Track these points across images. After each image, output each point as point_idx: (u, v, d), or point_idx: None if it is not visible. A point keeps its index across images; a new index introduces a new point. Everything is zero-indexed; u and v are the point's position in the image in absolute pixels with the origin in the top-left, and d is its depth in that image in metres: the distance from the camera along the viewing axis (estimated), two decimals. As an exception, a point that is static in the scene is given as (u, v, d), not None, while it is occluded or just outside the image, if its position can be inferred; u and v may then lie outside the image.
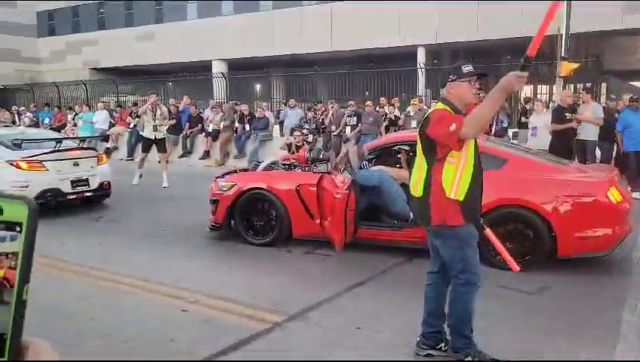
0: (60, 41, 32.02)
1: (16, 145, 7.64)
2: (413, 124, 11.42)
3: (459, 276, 3.20)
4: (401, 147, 6.27)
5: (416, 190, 3.23)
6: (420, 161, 3.23)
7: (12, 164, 7.36)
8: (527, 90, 22.80)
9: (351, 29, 21.60)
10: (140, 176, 10.72)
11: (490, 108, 2.98)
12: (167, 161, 11.15)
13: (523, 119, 11.87)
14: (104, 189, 8.32)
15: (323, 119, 13.32)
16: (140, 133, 11.66)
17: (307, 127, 12.78)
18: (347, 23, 21.77)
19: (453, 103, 3.16)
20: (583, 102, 10.13)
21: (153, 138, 10.49)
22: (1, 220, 0.68)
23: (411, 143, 6.20)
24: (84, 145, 8.62)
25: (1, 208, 0.68)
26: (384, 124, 12.57)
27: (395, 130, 11.73)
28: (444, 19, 19.82)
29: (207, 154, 14.39)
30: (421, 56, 20.70)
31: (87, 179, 7.95)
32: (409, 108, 12.59)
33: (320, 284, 4.84)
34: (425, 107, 12.26)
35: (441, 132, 3.01)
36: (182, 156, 14.82)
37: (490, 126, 11.98)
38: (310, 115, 13.51)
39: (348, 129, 12.37)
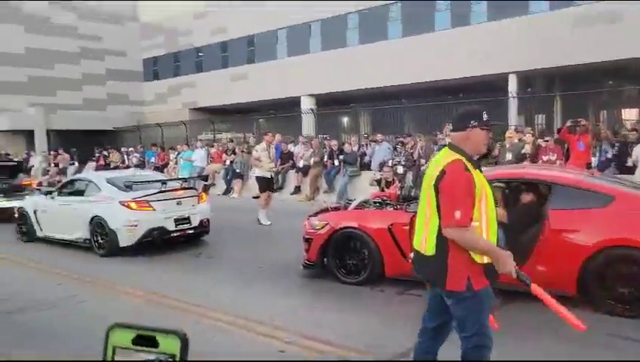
0: (163, 85, 34.59)
1: (128, 186, 8.30)
2: (509, 156, 11.03)
3: (471, 339, 2.93)
4: (497, 184, 6.08)
5: (426, 246, 2.96)
6: (430, 214, 2.94)
7: (124, 205, 7.99)
8: (631, 114, 21.43)
9: (437, 60, 21.47)
10: (267, 214, 10.74)
11: (481, 250, 2.83)
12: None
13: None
14: (204, 227, 8.76)
15: (412, 153, 13.24)
16: (253, 174, 11.71)
17: (397, 161, 12.75)
18: (434, 54, 21.67)
19: (466, 152, 2.95)
20: None
21: (269, 177, 10.83)
22: (157, 352, 0.76)
23: (507, 181, 6.03)
24: (186, 185, 9.15)
25: (157, 341, 0.76)
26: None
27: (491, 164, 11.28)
28: (538, 43, 19.16)
29: (297, 190, 14.76)
30: (512, 83, 20.07)
31: (188, 217, 8.44)
32: (508, 140, 12.03)
33: (414, 326, 4.74)
34: (523, 138, 11.79)
35: (445, 211, 2.83)
36: (274, 192, 15.26)
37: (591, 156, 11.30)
38: (400, 148, 13.48)
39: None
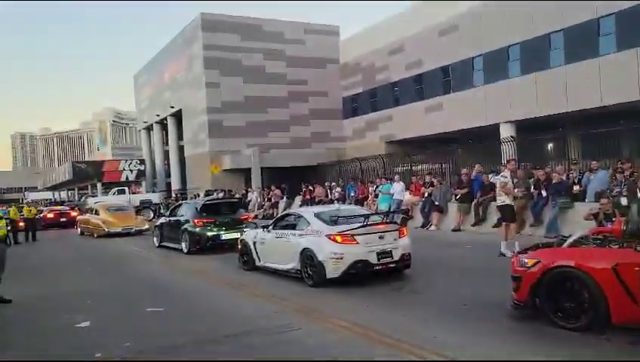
0: (361, 121, 36.29)
1: (333, 221, 8.82)
2: None
3: None
4: None
5: None
6: None
7: (330, 238, 8.49)
8: None
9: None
10: (508, 245, 10.21)
11: None
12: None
13: None
14: (405, 261, 8.84)
15: (635, 181, 11.64)
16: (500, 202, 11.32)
17: (617, 190, 11.34)
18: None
19: None
20: None
21: (513, 205, 10.77)
22: None
23: None
24: (388, 220, 9.37)
25: None
26: None
27: None
28: None
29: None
30: None
31: (390, 251, 8.60)
32: None
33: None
34: None
35: None
36: (474, 224, 14.78)
37: None
38: (620, 176, 11.98)
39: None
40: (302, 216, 9.55)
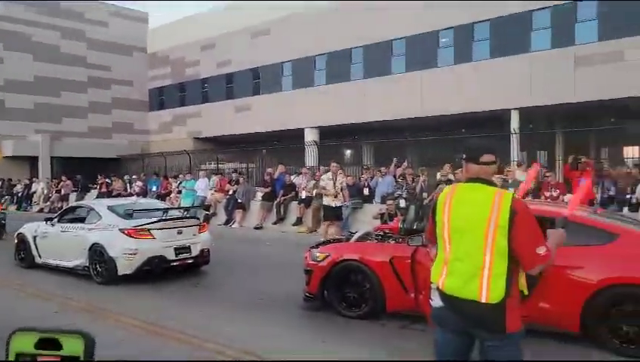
0: (168, 114, 34.92)
1: (129, 214, 8.29)
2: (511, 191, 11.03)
3: None
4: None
5: (489, 294, 2.69)
6: (492, 257, 2.70)
7: (124, 233, 7.96)
8: (633, 151, 21.49)
9: (441, 95, 21.70)
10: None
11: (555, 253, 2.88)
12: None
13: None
14: (204, 256, 8.71)
15: (414, 186, 13.25)
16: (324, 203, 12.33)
17: (399, 194, 12.75)
18: (437, 89, 21.92)
19: (494, 183, 2.95)
20: None
21: (334, 206, 11.01)
22: (60, 354, 0.75)
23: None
24: (188, 215, 9.14)
25: (60, 343, 0.75)
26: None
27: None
28: (540, 81, 19.39)
29: (299, 221, 14.71)
30: (515, 119, 20.22)
31: (189, 247, 8.39)
32: (517, 175, 12.09)
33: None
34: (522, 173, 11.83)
35: (529, 251, 2.70)
36: (275, 222, 15.26)
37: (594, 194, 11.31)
38: (402, 182, 13.50)
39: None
40: (93, 209, 8.81)
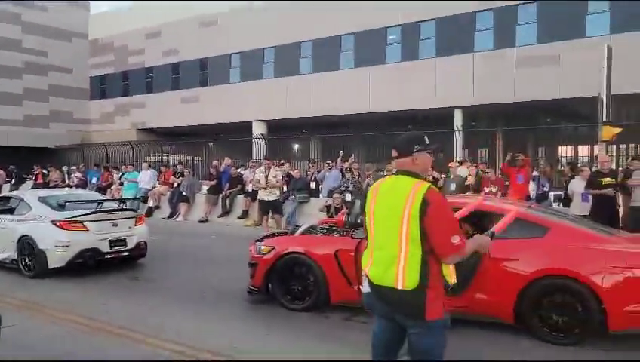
0: (110, 104, 33.73)
1: (61, 206, 7.99)
2: (452, 187, 11.35)
3: None
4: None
5: (405, 281, 2.79)
6: (407, 246, 2.80)
7: (55, 224, 7.66)
8: (567, 150, 22.61)
9: (388, 91, 22.03)
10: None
11: (470, 251, 3.00)
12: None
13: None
14: (140, 249, 8.55)
15: (360, 180, 13.39)
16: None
17: (345, 187, 12.86)
18: (384, 85, 22.23)
19: (419, 175, 2.95)
20: (635, 169, 9.69)
21: (267, 200, 11.20)
22: None
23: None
24: (126, 207, 8.91)
25: None
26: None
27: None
28: (482, 80, 20.02)
29: (245, 214, 14.58)
30: (458, 117, 20.81)
31: (124, 239, 8.21)
32: (458, 171, 12.44)
33: (356, 353, 4.73)
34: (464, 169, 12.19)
35: (443, 240, 2.78)
36: (221, 216, 15.06)
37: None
38: (348, 176, 13.62)
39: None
40: (23, 200, 8.41)
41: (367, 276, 3.04)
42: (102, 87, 34.58)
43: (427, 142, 3.01)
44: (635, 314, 4.62)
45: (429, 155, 3.03)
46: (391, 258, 2.84)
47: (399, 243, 2.82)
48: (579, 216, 8.20)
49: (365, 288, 3.11)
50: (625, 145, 19.88)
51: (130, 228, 8.34)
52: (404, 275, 2.79)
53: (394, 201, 2.86)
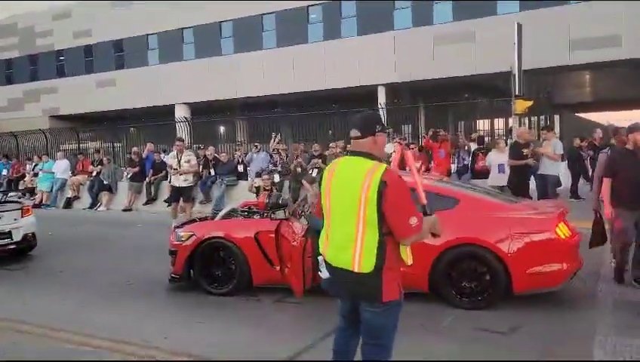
0: (17, 90, 31.58)
1: None
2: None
3: (384, 347, 2.94)
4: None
5: (361, 264, 2.77)
6: (364, 228, 2.77)
7: None
8: (485, 124, 23.63)
9: (312, 70, 22.05)
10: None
11: (427, 232, 2.98)
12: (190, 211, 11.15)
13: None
14: (29, 241, 8.29)
15: (287, 161, 13.40)
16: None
17: (273, 168, 12.82)
18: (308, 65, 22.23)
19: (375, 156, 2.90)
20: (544, 139, 10.34)
21: (178, 186, 10.61)
22: None
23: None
24: (8, 199, 8.63)
25: None
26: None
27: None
28: (403, 58, 20.46)
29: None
30: (381, 95, 21.20)
31: (10, 232, 7.93)
32: (386, 148, 12.67)
33: (294, 335, 4.79)
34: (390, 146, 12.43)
35: (401, 222, 2.75)
36: (146, 203, 14.61)
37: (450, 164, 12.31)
38: (276, 157, 13.58)
39: (315, 171, 12.29)
40: None
41: (324, 260, 3.00)
42: (8, 72, 32.29)
43: (384, 123, 2.99)
44: (535, 276, 4.98)
45: (386, 136, 3.03)
46: (347, 240, 2.82)
47: (356, 226, 2.78)
48: (492, 187, 8.66)
49: (324, 273, 3.03)
50: (536, 118, 21.02)
51: (15, 220, 8.06)
52: (360, 259, 2.77)
53: (351, 184, 2.81)
